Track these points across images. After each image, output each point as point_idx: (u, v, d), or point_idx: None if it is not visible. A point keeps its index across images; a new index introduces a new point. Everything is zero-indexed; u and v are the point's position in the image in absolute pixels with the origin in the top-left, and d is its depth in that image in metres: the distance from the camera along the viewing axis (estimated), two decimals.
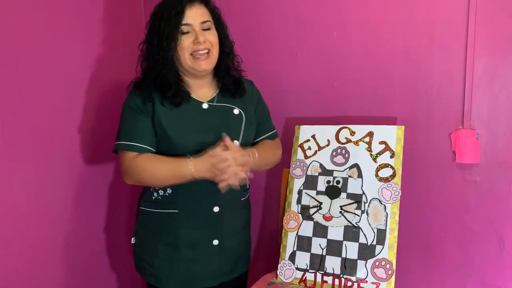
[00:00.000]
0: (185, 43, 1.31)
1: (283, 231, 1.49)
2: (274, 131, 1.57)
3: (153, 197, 1.41)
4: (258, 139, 1.52)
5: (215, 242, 1.40)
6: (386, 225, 1.35)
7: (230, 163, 1.27)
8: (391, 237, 1.34)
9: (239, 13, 1.78)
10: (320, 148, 1.52)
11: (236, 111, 1.41)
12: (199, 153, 1.30)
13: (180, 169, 1.29)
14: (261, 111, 1.53)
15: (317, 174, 1.49)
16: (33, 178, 1.45)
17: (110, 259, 1.81)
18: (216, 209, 1.38)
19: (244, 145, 1.40)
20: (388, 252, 1.33)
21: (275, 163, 1.55)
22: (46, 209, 1.51)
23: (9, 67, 1.36)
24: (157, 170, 1.31)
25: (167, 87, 1.33)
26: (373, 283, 1.33)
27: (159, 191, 1.39)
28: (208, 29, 1.35)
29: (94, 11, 1.67)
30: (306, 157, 1.52)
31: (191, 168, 1.27)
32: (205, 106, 1.38)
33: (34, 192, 1.46)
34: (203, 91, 1.41)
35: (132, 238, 1.47)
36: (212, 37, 1.35)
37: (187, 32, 1.32)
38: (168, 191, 1.38)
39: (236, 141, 1.37)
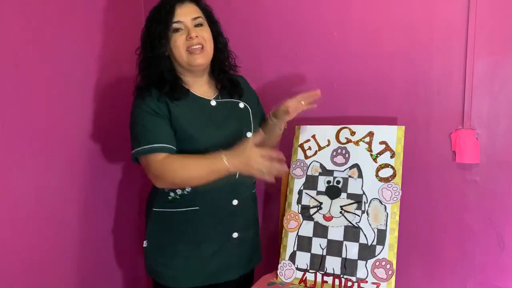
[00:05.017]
0: (179, 40, 1.33)
1: (283, 231, 1.49)
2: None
3: (170, 197, 1.39)
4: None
5: (235, 235, 1.43)
6: (386, 225, 1.35)
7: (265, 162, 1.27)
8: (392, 237, 1.34)
9: (239, 12, 1.78)
10: (320, 148, 1.51)
11: (241, 105, 1.45)
12: (228, 149, 1.31)
13: (215, 165, 1.28)
14: (256, 101, 1.56)
15: (317, 174, 1.49)
16: (37, 179, 1.44)
17: (116, 261, 1.81)
18: (235, 202, 1.41)
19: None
20: (388, 252, 1.33)
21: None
22: (51, 209, 1.50)
23: (9, 67, 1.35)
24: (192, 168, 1.30)
25: (163, 83, 1.35)
26: (373, 283, 1.33)
27: (177, 190, 1.38)
28: (201, 25, 1.37)
29: (94, 11, 1.67)
30: (306, 157, 1.52)
31: (226, 162, 1.27)
32: (213, 103, 1.41)
33: (38, 193, 1.45)
34: (204, 90, 1.43)
35: (144, 242, 1.44)
36: (205, 33, 1.36)
37: (180, 30, 1.34)
38: (187, 189, 1.38)
39: (249, 133, 1.42)
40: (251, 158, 1.26)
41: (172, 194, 1.39)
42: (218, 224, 1.40)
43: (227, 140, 1.36)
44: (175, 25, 1.33)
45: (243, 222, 1.45)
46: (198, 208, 1.38)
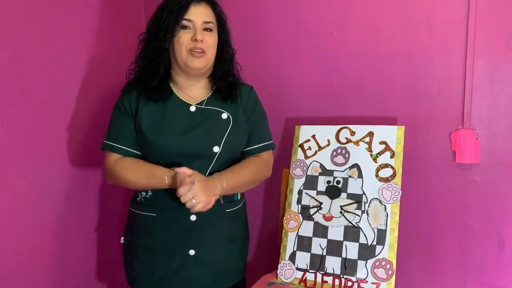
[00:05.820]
0: (184, 38, 1.30)
1: (283, 231, 1.49)
2: (268, 142, 1.46)
3: (138, 198, 1.40)
4: (248, 148, 1.43)
5: (191, 252, 1.33)
6: (386, 225, 1.35)
7: (192, 192, 1.20)
8: (391, 237, 1.34)
9: (239, 12, 1.78)
10: (320, 148, 1.51)
11: (224, 116, 1.36)
12: (175, 165, 1.27)
13: (157, 182, 1.27)
14: (255, 119, 1.44)
15: (317, 174, 1.49)
16: (28, 178, 1.45)
17: (102, 260, 1.80)
18: (193, 217, 1.32)
19: (226, 152, 1.35)
20: (388, 252, 1.33)
21: (259, 181, 1.45)
22: (41, 208, 1.50)
23: (9, 67, 1.35)
24: (136, 179, 1.30)
25: (152, 78, 1.33)
26: (373, 283, 1.33)
27: (142, 193, 1.38)
28: (210, 30, 1.33)
29: (94, 10, 1.67)
30: (306, 157, 1.52)
31: (167, 181, 1.26)
32: (192, 108, 1.35)
33: (30, 192, 1.45)
34: (195, 93, 1.38)
35: (122, 238, 1.45)
36: (211, 39, 1.32)
37: (187, 28, 1.30)
38: (149, 193, 1.36)
39: (216, 147, 1.32)
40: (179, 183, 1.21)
41: (139, 195, 1.40)
42: (173, 236, 1.33)
43: (187, 149, 1.30)
44: (184, 22, 1.29)
45: (204, 240, 1.34)
46: (155, 215, 1.34)
